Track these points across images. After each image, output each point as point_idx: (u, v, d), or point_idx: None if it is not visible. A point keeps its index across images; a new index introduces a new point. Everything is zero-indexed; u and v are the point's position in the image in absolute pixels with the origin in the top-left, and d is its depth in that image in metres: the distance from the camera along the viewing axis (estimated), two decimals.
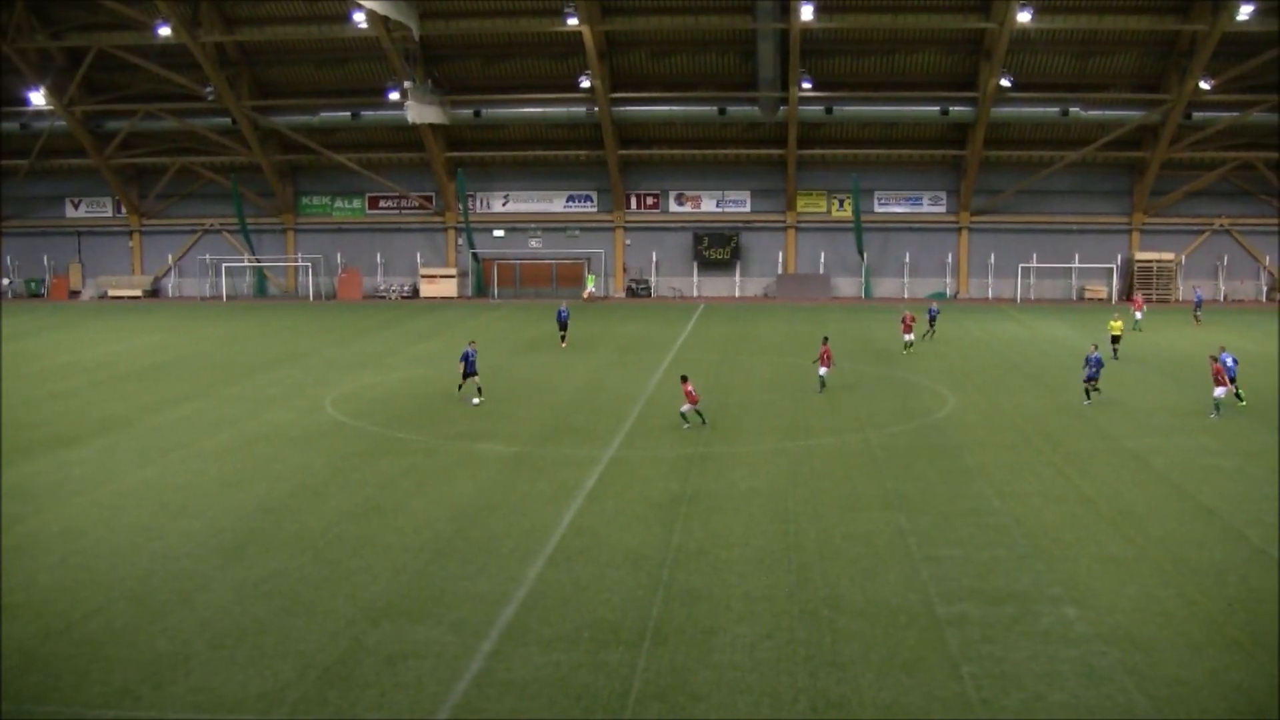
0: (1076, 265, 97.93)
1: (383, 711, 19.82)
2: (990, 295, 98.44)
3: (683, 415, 42.91)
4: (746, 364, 60.01)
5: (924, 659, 22.30)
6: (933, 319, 70.79)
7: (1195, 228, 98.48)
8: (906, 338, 63.78)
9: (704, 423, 42.88)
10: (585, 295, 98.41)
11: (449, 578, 26.60)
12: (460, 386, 48.35)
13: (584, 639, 23.08)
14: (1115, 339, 61.63)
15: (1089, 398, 47.72)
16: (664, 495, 33.55)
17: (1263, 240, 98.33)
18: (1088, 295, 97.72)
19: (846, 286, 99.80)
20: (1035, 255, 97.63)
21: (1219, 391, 45.34)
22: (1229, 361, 48.58)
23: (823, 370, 50.93)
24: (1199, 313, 69.69)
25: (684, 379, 43.92)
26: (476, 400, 47.43)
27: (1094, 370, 47.69)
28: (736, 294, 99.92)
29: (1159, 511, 32.49)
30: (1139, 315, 73.96)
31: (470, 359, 47.97)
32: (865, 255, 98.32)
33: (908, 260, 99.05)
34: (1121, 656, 22.60)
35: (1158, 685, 21.33)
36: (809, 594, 25.67)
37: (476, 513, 31.83)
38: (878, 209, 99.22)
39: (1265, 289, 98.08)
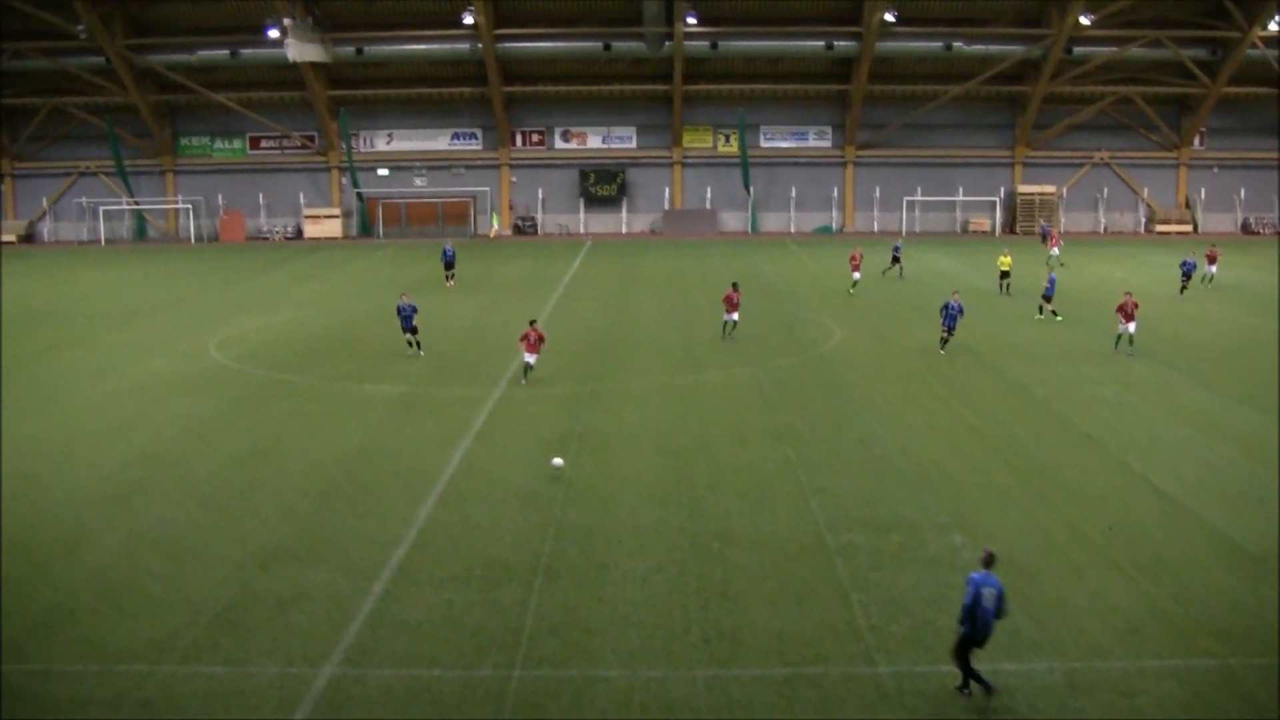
0: (960, 199, 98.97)
1: (275, 656, 19.75)
2: (876, 229, 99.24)
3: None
4: (634, 300, 60.09)
5: (814, 588, 22.64)
6: (896, 257, 69.48)
7: (1076, 161, 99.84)
8: (855, 276, 62.15)
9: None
10: (492, 234, 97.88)
11: (339, 520, 26.49)
12: (409, 344, 44.87)
13: (476, 577, 23.14)
14: (1004, 274, 61.49)
15: (943, 348, 44.90)
16: (554, 433, 33.58)
17: (1141, 173, 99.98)
18: (972, 228, 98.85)
19: (733, 221, 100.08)
20: (920, 189, 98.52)
21: (1129, 327, 44.90)
22: (1047, 282, 53.40)
23: (732, 316, 47.83)
24: (1186, 283, 60.67)
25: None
26: (416, 351, 44.75)
27: (951, 321, 44.57)
28: (624, 230, 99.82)
29: (1043, 440, 33.14)
30: (1055, 251, 73.94)
31: (404, 313, 44.57)
32: (751, 190, 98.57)
33: (793, 195, 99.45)
34: (1006, 581, 22.84)
35: (1041, 608, 21.85)
36: (699, 527, 25.91)
37: (366, 454, 31.67)
38: (764, 144, 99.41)
39: (1144, 221, 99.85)
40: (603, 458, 31.27)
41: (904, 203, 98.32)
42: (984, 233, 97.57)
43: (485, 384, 39.83)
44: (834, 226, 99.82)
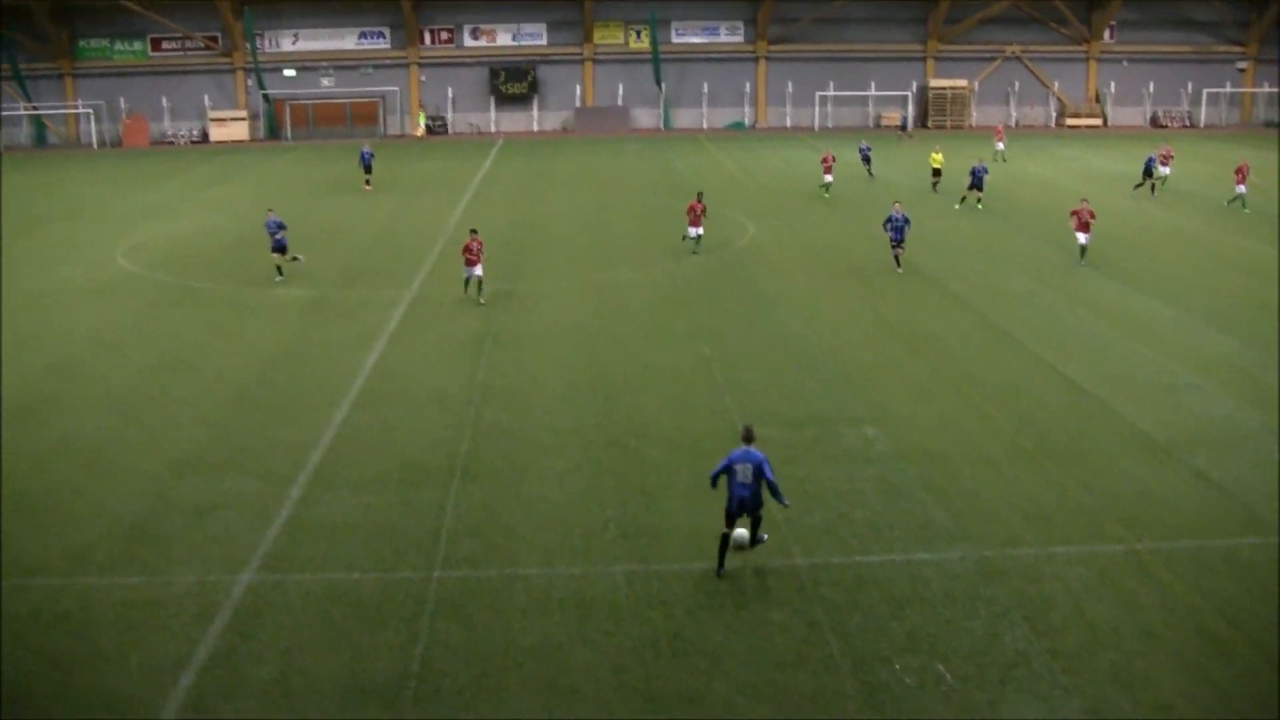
0: (873, 93, 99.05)
1: (193, 565, 19.69)
2: (789, 124, 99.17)
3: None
4: (548, 200, 59.76)
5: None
6: (866, 159, 66.89)
7: (987, 55, 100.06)
8: (826, 179, 59.58)
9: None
10: (418, 132, 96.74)
11: (255, 427, 26.34)
12: (279, 269, 41.13)
13: (394, 480, 23.14)
14: (936, 172, 60.95)
15: (899, 265, 41.25)
16: (468, 334, 33.50)
17: (1052, 67, 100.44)
18: (884, 123, 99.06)
19: (645, 118, 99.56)
20: (832, 84, 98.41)
21: (1083, 237, 42.35)
22: (979, 168, 54.47)
23: (696, 230, 44.45)
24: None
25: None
26: (294, 261, 41.68)
27: (897, 234, 41.11)
28: (535, 129, 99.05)
29: (955, 333, 33.51)
30: (1000, 146, 74.09)
31: (271, 230, 41.14)
32: (663, 86, 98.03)
33: (706, 91, 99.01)
34: (920, 473, 23.45)
35: (953, 499, 22.22)
36: (616, 426, 26.04)
37: (280, 360, 31.46)
38: (675, 39, 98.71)
39: (1054, 114, 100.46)
40: (519, 358, 31.26)
41: (816, 98, 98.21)
42: (896, 126, 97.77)
43: (398, 286, 39.59)
44: (747, 122, 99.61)
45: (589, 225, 51.60)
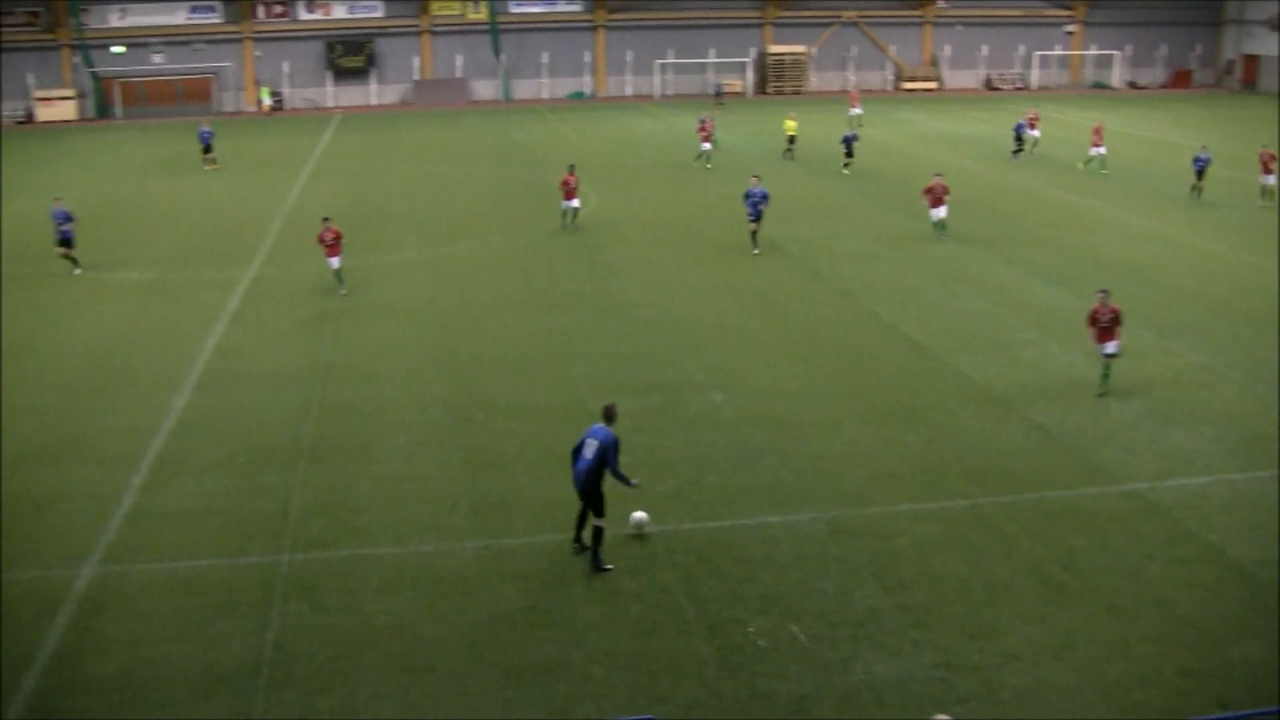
0: (712, 60, 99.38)
1: (33, 559, 19.14)
2: (629, 92, 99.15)
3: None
4: (388, 174, 59.02)
5: None
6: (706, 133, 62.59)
7: (825, 20, 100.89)
8: (704, 146, 58.29)
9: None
10: (264, 108, 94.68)
11: (93, 414, 25.69)
12: (71, 261, 38.83)
13: (239, 463, 22.76)
14: (791, 139, 60.71)
15: (756, 244, 39.40)
16: (310, 312, 33.03)
17: (888, 31, 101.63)
18: (724, 90, 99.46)
19: (485, 90, 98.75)
20: (671, 52, 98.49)
21: (939, 212, 41.08)
22: (850, 135, 55.56)
23: (571, 203, 43.01)
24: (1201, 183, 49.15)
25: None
26: (77, 271, 38.51)
27: (755, 210, 39.05)
28: (374, 102, 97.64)
29: (798, 297, 33.88)
30: (857, 110, 74.33)
31: (57, 220, 38.56)
32: (503, 58, 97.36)
33: (545, 61, 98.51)
34: (768, 436, 23.68)
35: (802, 461, 22.50)
36: (463, 399, 25.90)
37: (116, 345, 30.69)
38: (513, 9, 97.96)
39: (891, 79, 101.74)
40: (362, 334, 30.90)
41: (656, 66, 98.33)
42: (736, 94, 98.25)
43: (238, 266, 38.85)
44: (587, 92, 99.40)
45: (430, 199, 51.11)
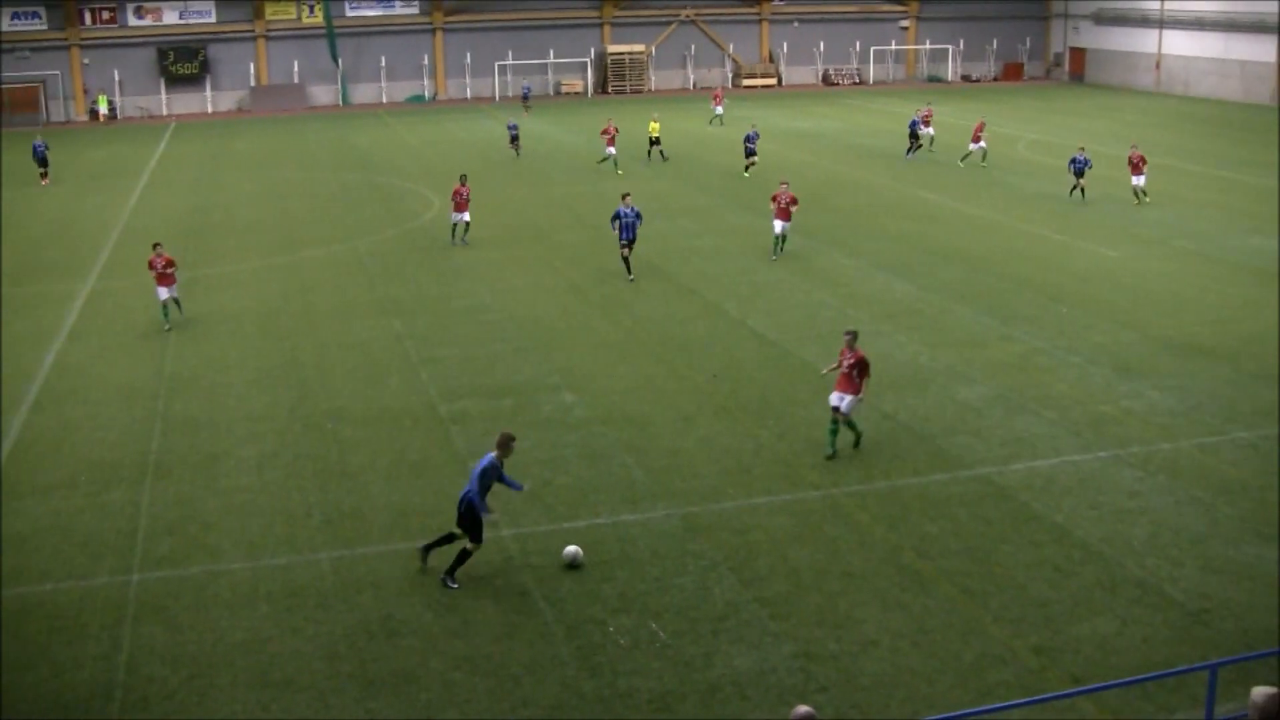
0: (552, 61, 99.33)
1: None
2: (469, 95, 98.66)
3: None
4: (226, 182, 57.92)
5: (431, 459, 22.71)
6: (514, 138, 62.39)
7: (663, 19, 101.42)
8: (609, 150, 56.29)
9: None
10: (100, 116, 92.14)
11: None
12: None
13: (82, 482, 22.15)
14: (654, 140, 59.54)
15: (630, 271, 35.65)
16: (150, 325, 32.27)
17: (726, 29, 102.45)
18: (564, 90, 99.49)
19: (323, 95, 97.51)
20: (511, 53, 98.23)
21: (782, 225, 37.89)
22: (752, 134, 54.21)
23: (462, 216, 40.67)
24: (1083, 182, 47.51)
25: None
26: None
27: (628, 232, 35.22)
28: (209, 110, 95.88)
29: (646, 295, 33.99)
30: (719, 110, 74.67)
31: None
32: (340, 62, 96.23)
33: (384, 64, 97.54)
34: (620, 435, 23.72)
35: (655, 458, 22.56)
36: (311, 408, 25.54)
37: None
38: (349, 13, 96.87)
39: (730, 76, 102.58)
40: (205, 346, 30.29)
41: (496, 68, 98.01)
42: (576, 94, 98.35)
43: (74, 279, 37.84)
44: (427, 95, 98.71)
45: (270, 206, 50.31)
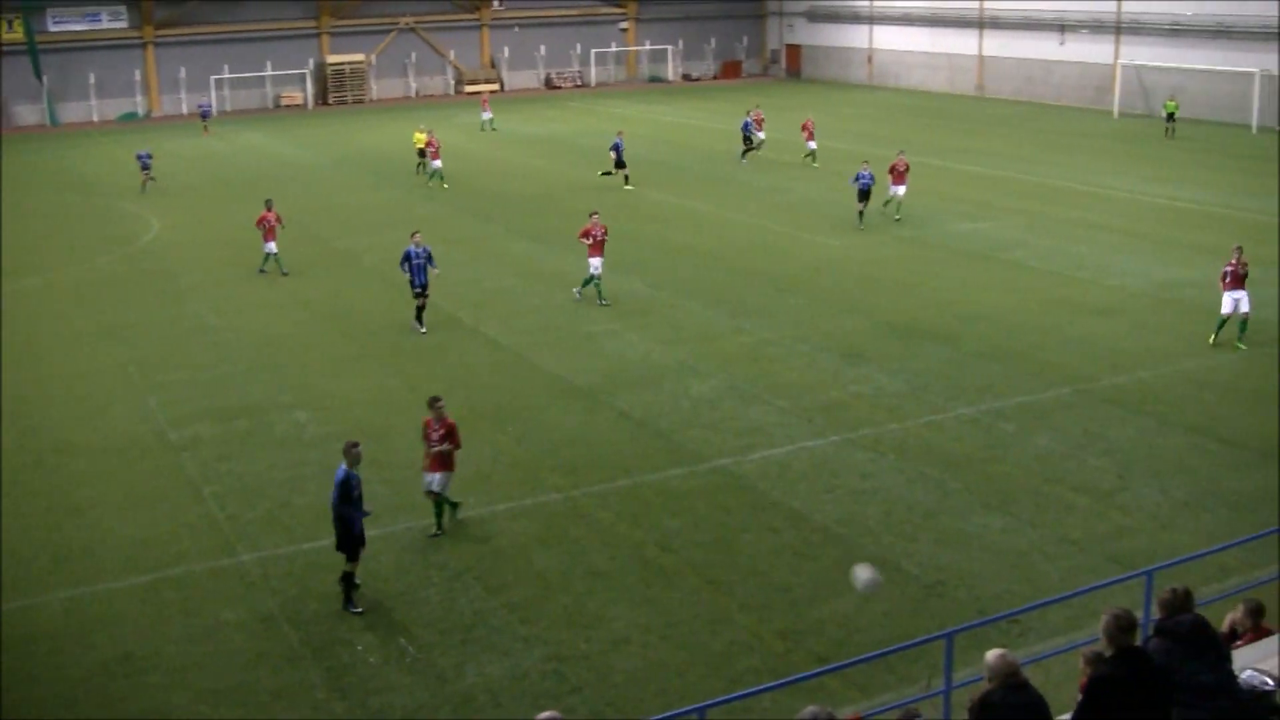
0: (270, 73, 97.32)
1: None
2: (185, 110, 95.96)
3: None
4: None
5: (164, 488, 22.03)
6: (145, 165, 57.11)
7: (383, 28, 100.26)
8: (434, 165, 53.32)
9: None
10: None
11: None
12: None
13: None
14: (421, 152, 56.67)
15: (422, 324, 31.08)
16: None
17: (446, 36, 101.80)
18: (284, 102, 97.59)
19: (29, 115, 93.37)
20: (227, 66, 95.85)
21: (595, 265, 33.17)
22: (618, 142, 51.00)
23: (269, 246, 37.62)
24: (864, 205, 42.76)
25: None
26: None
27: (419, 277, 30.78)
28: None
29: (378, 307, 33.66)
30: (487, 115, 73.60)
31: None
32: (45, 80, 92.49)
33: (93, 82, 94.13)
34: (364, 450, 23.31)
35: (395, 471, 22.35)
36: (36, 443, 24.48)
37: None
38: (53, 28, 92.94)
39: (452, 83, 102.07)
40: None
41: (212, 82, 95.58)
42: (297, 106, 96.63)
43: None
44: (140, 112, 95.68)
45: None
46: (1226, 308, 28.13)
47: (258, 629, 17.14)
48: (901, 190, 42.72)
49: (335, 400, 26.25)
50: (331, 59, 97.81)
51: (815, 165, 55.67)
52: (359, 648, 16.56)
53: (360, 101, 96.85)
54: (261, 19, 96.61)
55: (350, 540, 17.51)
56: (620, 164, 50.78)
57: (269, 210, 37.74)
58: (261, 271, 37.96)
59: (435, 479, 19.64)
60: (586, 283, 33.39)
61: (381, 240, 41.82)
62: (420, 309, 30.96)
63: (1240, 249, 28.35)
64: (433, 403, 19.78)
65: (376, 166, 59.14)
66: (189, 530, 20.11)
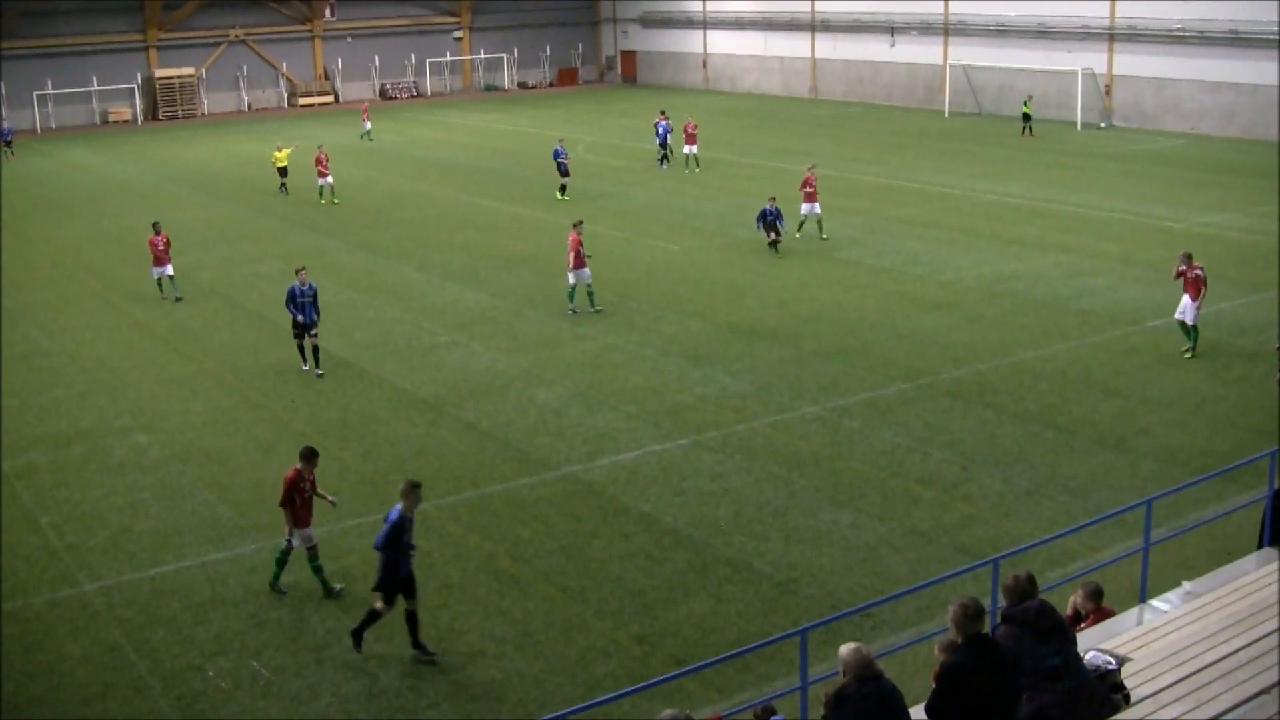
0: (96, 88, 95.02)
1: None
2: (6, 128, 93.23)
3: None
4: None
5: None
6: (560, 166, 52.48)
7: (212, 41, 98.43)
8: (323, 181, 50.78)
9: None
10: None
11: None
12: None
13: None
14: (282, 171, 54.39)
15: (317, 364, 28.51)
16: None
17: (278, 48, 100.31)
18: (112, 118, 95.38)
19: None
20: (50, 82, 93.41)
21: (573, 276, 32.52)
22: (559, 150, 49.79)
23: (164, 269, 35.53)
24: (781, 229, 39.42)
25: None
26: None
27: (308, 314, 28.09)
28: None
29: (213, 325, 33.06)
30: (367, 125, 72.47)
31: None
32: None
33: None
34: (200, 472, 22.99)
35: (238, 492, 22.01)
36: None
37: None
38: None
39: (285, 95, 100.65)
40: None
41: (35, 98, 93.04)
42: (126, 121, 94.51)
43: None
44: None
45: None
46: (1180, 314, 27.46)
47: (103, 660, 16.70)
48: (816, 208, 40.63)
49: (175, 422, 25.69)
50: (160, 73, 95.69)
51: (698, 170, 54.65)
52: (210, 673, 16.23)
53: (191, 116, 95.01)
54: (84, 32, 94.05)
55: (395, 583, 16.32)
56: (564, 172, 49.64)
57: (157, 233, 35.63)
58: (166, 298, 35.75)
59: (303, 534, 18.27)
60: (571, 295, 32.59)
61: (213, 257, 41.12)
62: (315, 349, 28.52)
63: (1189, 255, 27.54)
64: (310, 455, 18.67)
65: (208, 183, 58.07)
66: (26, 562, 19.52)
